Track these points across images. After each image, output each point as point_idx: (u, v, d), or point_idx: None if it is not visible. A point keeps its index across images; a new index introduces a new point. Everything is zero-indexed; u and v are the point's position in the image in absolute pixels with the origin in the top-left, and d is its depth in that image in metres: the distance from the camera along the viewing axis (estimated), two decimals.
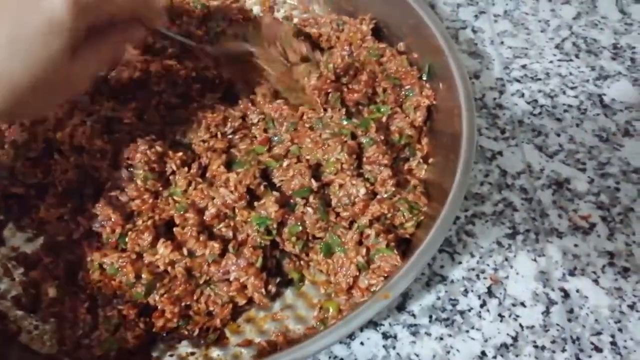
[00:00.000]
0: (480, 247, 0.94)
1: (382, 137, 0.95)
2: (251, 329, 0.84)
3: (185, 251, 0.81)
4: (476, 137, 0.88)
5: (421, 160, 0.98)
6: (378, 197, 0.90)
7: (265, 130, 0.96)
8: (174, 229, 0.84)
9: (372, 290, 0.84)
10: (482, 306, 0.88)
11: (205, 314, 0.82)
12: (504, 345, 0.84)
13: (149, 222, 0.82)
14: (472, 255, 0.93)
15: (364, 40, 1.10)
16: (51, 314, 0.80)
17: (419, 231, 0.89)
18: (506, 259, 0.93)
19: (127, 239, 0.81)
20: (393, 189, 0.90)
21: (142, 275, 0.79)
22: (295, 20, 1.17)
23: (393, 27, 1.11)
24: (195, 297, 0.81)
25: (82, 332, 0.79)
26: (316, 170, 0.91)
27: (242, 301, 0.82)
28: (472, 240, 0.95)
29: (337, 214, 0.89)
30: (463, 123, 0.88)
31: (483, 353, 0.83)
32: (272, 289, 0.84)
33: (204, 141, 0.93)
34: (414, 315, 0.87)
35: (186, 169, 0.88)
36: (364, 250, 0.84)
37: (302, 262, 0.88)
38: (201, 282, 0.81)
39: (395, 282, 0.74)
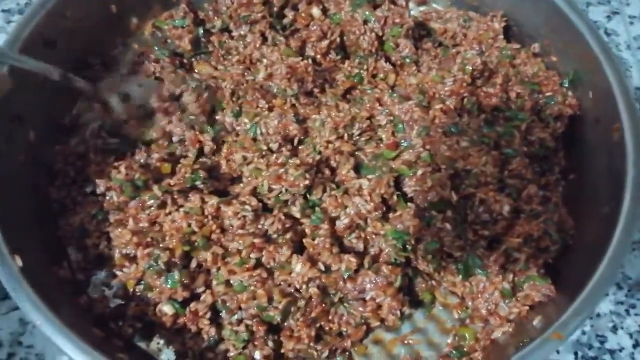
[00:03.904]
0: (628, 279, 0.85)
1: (525, 148, 0.86)
2: (380, 352, 0.77)
3: (322, 266, 0.74)
4: None
5: (559, 176, 0.90)
6: (523, 215, 0.81)
7: (394, 134, 0.88)
8: (304, 240, 0.77)
9: (511, 319, 0.76)
10: (635, 346, 0.79)
11: (336, 334, 0.75)
12: None
13: (288, 236, 0.75)
14: (620, 287, 0.84)
15: (495, 40, 1.00)
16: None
17: (564, 257, 0.81)
18: None
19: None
20: (540, 207, 0.81)
21: (274, 297, 0.72)
22: (414, 12, 1.08)
23: (526, 26, 1.01)
24: (329, 317, 0.74)
25: (206, 345, 0.73)
26: (451, 181, 0.83)
27: (375, 322, 0.75)
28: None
29: (475, 232, 0.81)
30: (627, 139, 0.78)
31: None
32: (406, 310, 0.77)
33: (329, 142, 0.86)
34: (557, 351, 0.79)
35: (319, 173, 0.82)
36: (510, 276, 0.76)
37: (434, 282, 0.81)
38: (335, 300, 0.74)
39: (567, 320, 0.66)
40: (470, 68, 0.90)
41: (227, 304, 0.73)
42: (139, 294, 0.75)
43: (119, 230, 0.77)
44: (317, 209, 0.79)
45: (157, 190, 0.77)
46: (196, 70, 0.96)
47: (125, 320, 0.76)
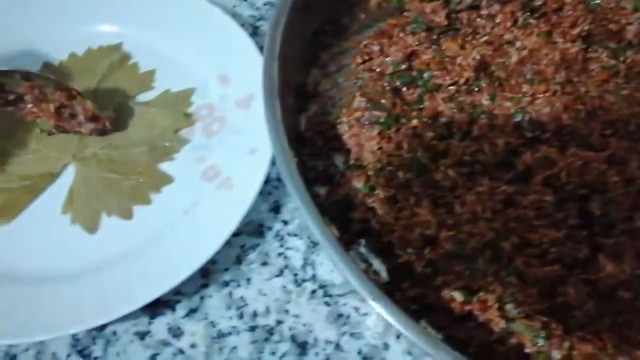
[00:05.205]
0: None
1: None
2: None
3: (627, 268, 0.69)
4: None
5: None
6: None
7: None
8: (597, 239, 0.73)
9: None
10: None
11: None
12: None
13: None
14: None
15: None
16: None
17: None
18: None
19: None
20: None
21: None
22: None
23: None
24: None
25: (494, 338, 0.69)
26: None
27: None
28: None
29: None
30: None
31: None
32: None
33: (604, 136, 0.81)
34: None
35: None
36: None
37: None
38: None
39: None
40: None
41: (516, 297, 0.70)
42: (420, 276, 0.72)
43: (387, 207, 0.74)
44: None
45: (450, 171, 0.73)
46: (443, 47, 0.92)
47: (404, 300, 0.73)
